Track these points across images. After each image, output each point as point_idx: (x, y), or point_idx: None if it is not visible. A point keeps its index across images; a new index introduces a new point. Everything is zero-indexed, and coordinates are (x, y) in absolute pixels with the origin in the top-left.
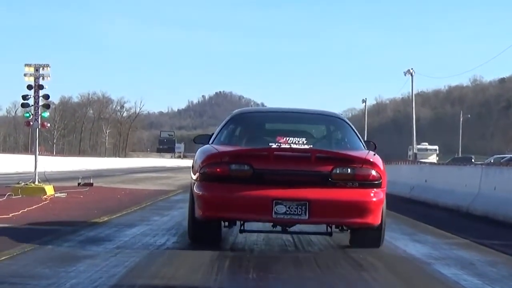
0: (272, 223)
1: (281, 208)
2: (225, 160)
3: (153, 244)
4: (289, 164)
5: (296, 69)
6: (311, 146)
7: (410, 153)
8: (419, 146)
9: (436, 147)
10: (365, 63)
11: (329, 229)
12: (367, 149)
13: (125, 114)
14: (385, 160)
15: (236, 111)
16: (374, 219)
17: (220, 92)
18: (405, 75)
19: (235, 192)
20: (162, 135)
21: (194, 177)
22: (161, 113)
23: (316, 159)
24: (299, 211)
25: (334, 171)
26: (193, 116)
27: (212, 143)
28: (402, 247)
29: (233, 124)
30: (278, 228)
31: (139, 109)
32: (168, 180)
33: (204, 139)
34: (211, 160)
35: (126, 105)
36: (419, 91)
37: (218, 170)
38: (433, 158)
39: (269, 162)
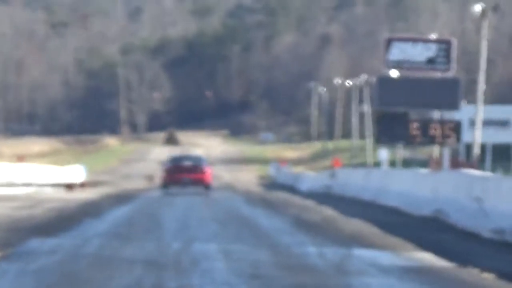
0: (182, 184)
1: (184, 179)
2: (170, 167)
3: None
4: (186, 167)
5: None
6: (192, 163)
7: None
8: None
9: None
10: None
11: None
12: (207, 165)
13: None
14: None
15: (171, 156)
16: (208, 183)
17: None
18: None
19: (173, 175)
20: None
21: (163, 171)
22: None
23: (193, 166)
24: (190, 181)
25: (198, 169)
26: None
27: (168, 163)
28: None
29: (172, 159)
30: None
31: None
32: None
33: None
34: (168, 168)
35: None
36: None
37: (169, 169)
38: None
39: (181, 166)
